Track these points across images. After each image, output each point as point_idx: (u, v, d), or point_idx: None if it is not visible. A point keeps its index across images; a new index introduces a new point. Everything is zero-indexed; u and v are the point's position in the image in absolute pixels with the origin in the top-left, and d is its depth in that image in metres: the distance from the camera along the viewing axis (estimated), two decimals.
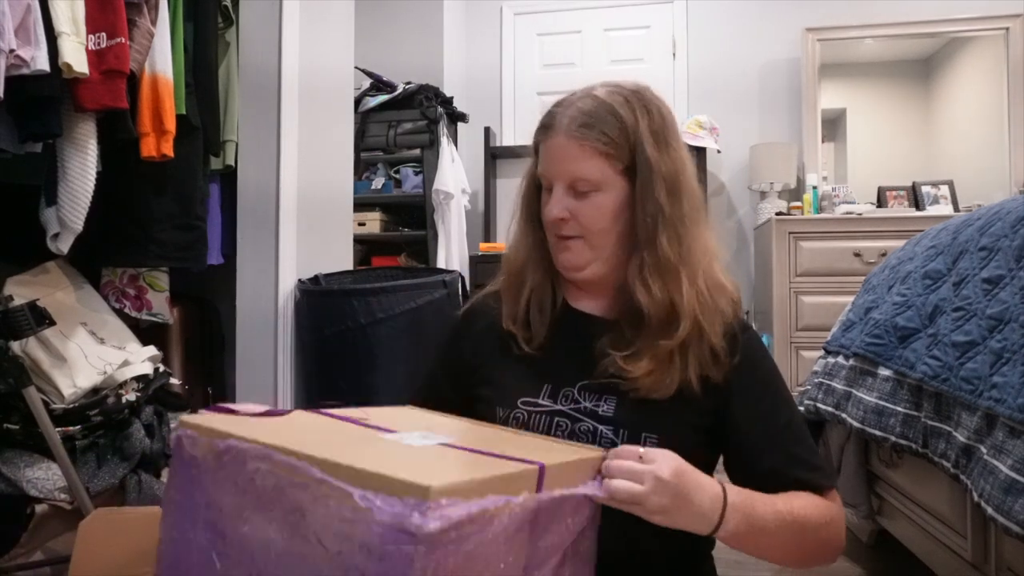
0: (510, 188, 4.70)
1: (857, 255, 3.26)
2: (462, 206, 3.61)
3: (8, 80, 1.33)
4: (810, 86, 3.82)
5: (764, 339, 3.41)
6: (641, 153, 0.90)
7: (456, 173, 3.54)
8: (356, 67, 2.78)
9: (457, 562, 0.57)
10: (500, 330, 0.99)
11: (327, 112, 2.41)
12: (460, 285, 2.19)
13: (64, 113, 1.49)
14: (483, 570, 0.60)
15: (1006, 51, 3.64)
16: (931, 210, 3.52)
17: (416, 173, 3.56)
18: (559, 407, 0.92)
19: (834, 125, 3.91)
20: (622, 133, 0.90)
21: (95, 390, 1.60)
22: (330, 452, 0.62)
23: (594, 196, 0.91)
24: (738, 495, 0.78)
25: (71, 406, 1.54)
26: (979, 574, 1.21)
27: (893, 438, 1.33)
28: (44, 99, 1.43)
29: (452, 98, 3.69)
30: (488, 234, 4.04)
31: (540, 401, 0.93)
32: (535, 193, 0.99)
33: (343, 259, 2.51)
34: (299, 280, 2.18)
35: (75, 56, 1.42)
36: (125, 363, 1.67)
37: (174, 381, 1.86)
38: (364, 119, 3.48)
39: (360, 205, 3.25)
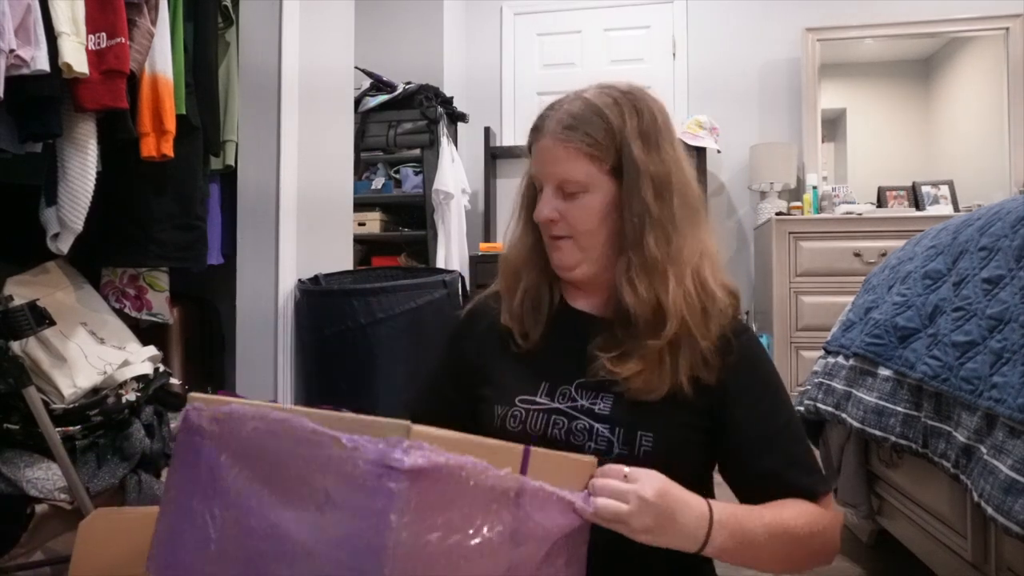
0: (510, 188, 4.70)
1: (857, 255, 3.26)
2: (462, 206, 3.61)
3: (8, 80, 1.33)
4: (810, 86, 3.82)
5: (764, 339, 3.40)
6: (628, 154, 0.90)
7: (456, 173, 3.54)
8: (356, 67, 2.78)
9: (438, 505, 0.61)
10: (500, 330, 1.00)
11: (327, 112, 2.41)
12: (460, 285, 2.19)
13: (64, 113, 1.49)
14: (464, 526, 0.63)
15: (1006, 51, 3.64)
16: (931, 210, 3.53)
17: (416, 173, 3.56)
18: (556, 405, 0.92)
19: (834, 125, 3.91)
20: (607, 134, 0.91)
21: (95, 390, 1.60)
22: (313, 412, 0.68)
23: (582, 197, 0.92)
24: (724, 511, 0.78)
25: (71, 406, 1.54)
26: (979, 574, 1.21)
27: (893, 438, 1.33)
28: (44, 99, 1.43)
29: (452, 98, 3.69)
30: (488, 234, 4.04)
31: (538, 399, 0.93)
32: (532, 194, 1.00)
33: (343, 259, 2.51)
34: (299, 280, 2.18)
35: (75, 56, 1.42)
36: (125, 363, 1.67)
37: (174, 381, 1.86)
38: (364, 119, 3.48)
39: (360, 205, 3.25)
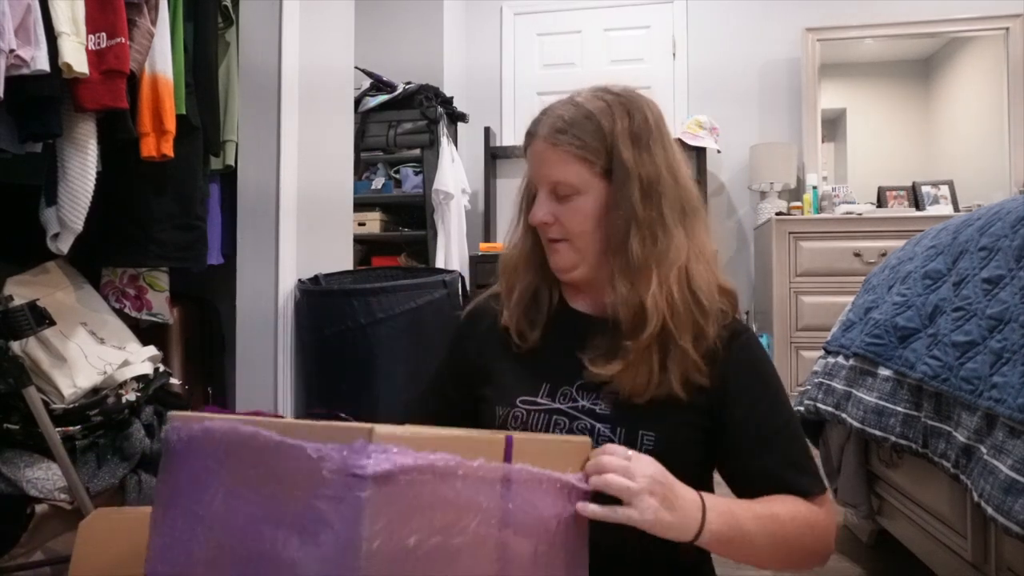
0: (510, 188, 4.70)
1: (857, 255, 3.26)
2: (462, 206, 3.61)
3: (8, 80, 1.33)
4: (810, 86, 3.82)
5: (764, 339, 3.41)
6: (617, 156, 0.91)
7: (456, 173, 3.54)
8: (356, 67, 2.78)
9: (413, 507, 0.60)
10: (501, 330, 1.01)
11: (327, 112, 2.41)
12: (460, 285, 2.19)
13: (64, 113, 1.49)
14: (446, 525, 0.62)
15: (1006, 51, 3.64)
16: (931, 210, 3.53)
17: (416, 173, 3.56)
18: (557, 405, 0.93)
19: (834, 125, 3.91)
20: (598, 137, 0.91)
21: (95, 390, 1.60)
22: (286, 422, 0.67)
23: (575, 199, 0.93)
24: (712, 498, 0.79)
25: (71, 406, 1.54)
26: (979, 574, 1.21)
27: (893, 438, 1.33)
28: (44, 99, 1.43)
29: (452, 98, 3.69)
30: (488, 234, 4.04)
31: (539, 400, 0.94)
32: (531, 196, 1.00)
33: (343, 259, 2.51)
34: (299, 280, 2.18)
35: (75, 56, 1.42)
36: (125, 363, 1.67)
37: (174, 381, 1.86)
38: (364, 119, 3.49)
39: (360, 205, 3.25)
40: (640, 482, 0.72)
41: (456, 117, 3.76)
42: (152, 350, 1.79)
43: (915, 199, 3.65)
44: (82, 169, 1.53)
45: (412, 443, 0.61)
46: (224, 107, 2.07)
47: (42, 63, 1.37)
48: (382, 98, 3.51)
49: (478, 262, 3.67)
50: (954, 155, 3.75)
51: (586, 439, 0.79)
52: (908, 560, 1.57)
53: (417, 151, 3.54)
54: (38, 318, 1.41)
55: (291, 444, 0.63)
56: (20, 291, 1.60)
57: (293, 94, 2.17)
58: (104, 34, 1.50)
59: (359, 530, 0.56)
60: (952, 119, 3.80)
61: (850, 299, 1.80)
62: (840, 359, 1.63)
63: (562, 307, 1.01)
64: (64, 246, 1.60)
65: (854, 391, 1.51)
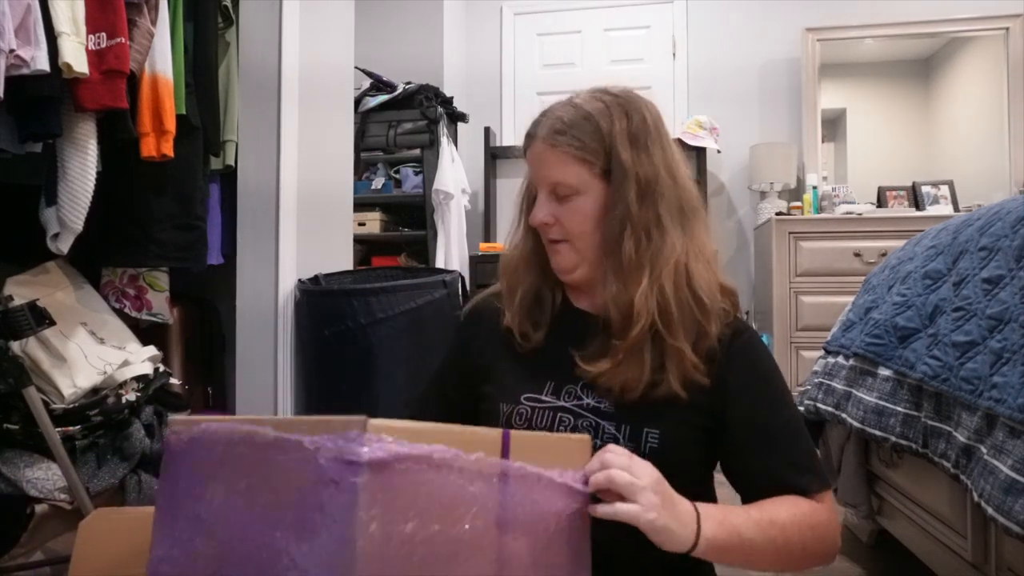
0: (510, 188, 4.70)
1: (857, 255, 3.26)
2: (462, 206, 3.61)
3: (8, 80, 1.33)
4: (810, 86, 3.82)
5: (764, 339, 3.41)
6: (616, 156, 0.91)
7: (456, 173, 3.54)
8: (356, 67, 2.78)
9: (409, 495, 0.61)
10: (504, 330, 1.01)
11: (327, 112, 2.41)
12: (460, 285, 2.19)
13: (64, 113, 1.49)
14: (444, 515, 0.63)
15: (1006, 51, 3.64)
16: (931, 210, 3.53)
17: (416, 173, 3.56)
18: (562, 403, 0.93)
19: (834, 125, 3.91)
20: (597, 138, 0.92)
21: (95, 390, 1.60)
22: (281, 420, 0.68)
23: (575, 200, 0.93)
24: (705, 506, 0.78)
25: (71, 406, 1.54)
26: (979, 574, 1.21)
27: (893, 438, 1.33)
28: (44, 99, 1.43)
29: (452, 98, 3.69)
30: (488, 234, 4.04)
31: (543, 397, 0.94)
32: (532, 197, 1.01)
33: (343, 259, 2.51)
34: (299, 280, 2.18)
35: (75, 56, 1.42)
36: (125, 363, 1.67)
37: (174, 381, 1.86)
38: (364, 119, 3.48)
39: (360, 205, 3.25)
40: (644, 479, 0.72)
41: (456, 117, 3.75)
42: (152, 350, 1.79)
43: (915, 199, 3.65)
44: (82, 169, 1.53)
45: (407, 435, 0.62)
46: (224, 107, 2.07)
47: (42, 63, 1.37)
48: (382, 98, 3.51)
49: (478, 262, 3.66)
50: (954, 155, 3.75)
51: (586, 437, 0.79)
52: (908, 560, 1.57)
53: (417, 151, 3.53)
54: (38, 318, 1.41)
55: (287, 438, 0.64)
56: (20, 291, 1.60)
57: (293, 94, 2.17)
58: (104, 34, 1.50)
59: (355, 514, 0.58)
60: (952, 119, 3.80)
61: (850, 299, 1.80)
62: (840, 359, 1.63)
63: (566, 306, 1.01)
64: (64, 246, 1.60)
65: (854, 391, 1.51)
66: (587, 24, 4.16)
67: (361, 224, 3.44)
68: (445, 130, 3.53)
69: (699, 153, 3.69)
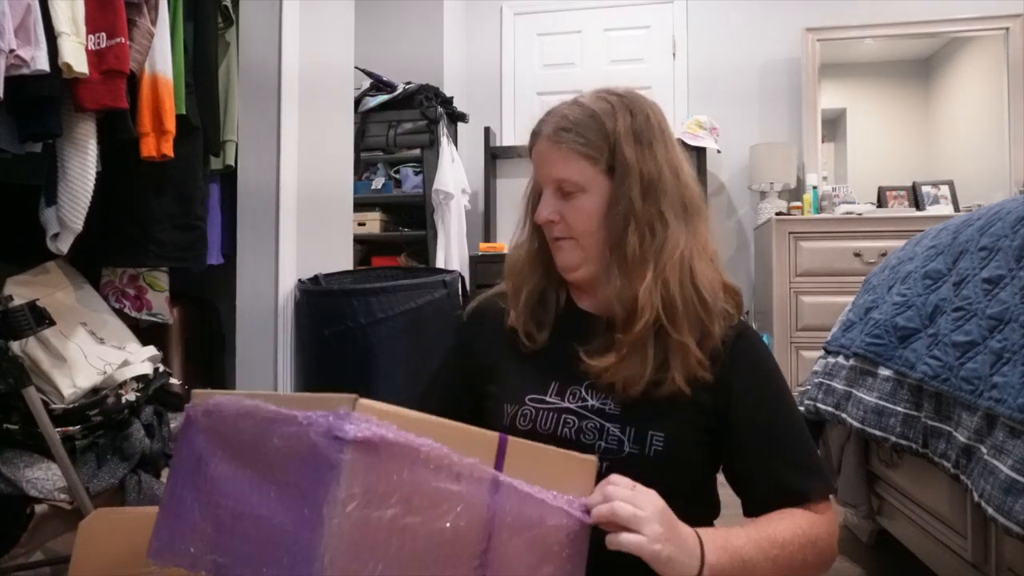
0: (510, 188, 4.71)
1: (857, 255, 3.26)
2: (462, 206, 3.61)
3: (8, 80, 1.33)
4: (810, 86, 3.82)
5: (764, 339, 3.41)
6: (619, 153, 0.92)
7: (456, 173, 3.54)
8: (356, 67, 2.78)
9: (393, 482, 0.61)
10: (508, 330, 1.01)
11: (327, 112, 2.41)
12: (460, 285, 2.19)
13: (64, 113, 1.49)
14: (427, 508, 0.63)
15: (1006, 51, 3.64)
16: (931, 210, 3.53)
17: (416, 173, 3.56)
18: (567, 405, 0.93)
19: (834, 125, 3.91)
20: (601, 134, 0.92)
21: (95, 390, 1.60)
22: (288, 396, 0.69)
23: (579, 197, 0.94)
24: (708, 533, 0.78)
25: (71, 406, 1.54)
26: (979, 574, 1.21)
27: (893, 438, 1.33)
28: (44, 99, 1.43)
29: (452, 98, 3.69)
30: (488, 234, 4.04)
31: (548, 398, 0.94)
32: (537, 197, 1.01)
33: (343, 259, 2.51)
34: (299, 280, 2.18)
35: (75, 56, 1.42)
36: (125, 363, 1.67)
37: (174, 381, 1.86)
38: (364, 119, 3.48)
39: (360, 205, 3.25)
40: (647, 510, 0.72)
41: (456, 117, 3.75)
42: (152, 350, 1.79)
43: (915, 199, 3.65)
44: (82, 169, 1.53)
45: (397, 420, 0.62)
46: (224, 107, 2.07)
47: (42, 63, 1.37)
48: (382, 98, 3.51)
49: (478, 262, 3.66)
50: (954, 155, 3.75)
51: (592, 458, 0.77)
52: (908, 560, 1.57)
53: (417, 151, 3.53)
54: (38, 318, 1.41)
55: (286, 414, 0.65)
56: (20, 291, 1.60)
57: (293, 94, 2.17)
58: (104, 34, 1.50)
59: (336, 491, 0.58)
60: (952, 119, 3.80)
61: (850, 299, 1.80)
62: (840, 359, 1.63)
63: (570, 307, 1.01)
64: (64, 246, 1.60)
65: (854, 391, 1.51)
66: (587, 24, 4.16)
67: (361, 224, 3.44)
68: (445, 130, 3.53)
69: (699, 153, 3.69)
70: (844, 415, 1.52)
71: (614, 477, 0.76)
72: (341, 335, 2.03)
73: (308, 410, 0.63)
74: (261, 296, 2.12)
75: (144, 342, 1.82)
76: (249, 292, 2.13)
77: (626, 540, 0.70)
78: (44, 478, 1.49)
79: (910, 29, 3.73)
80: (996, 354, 1.08)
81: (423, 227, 3.48)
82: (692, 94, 4.01)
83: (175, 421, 1.80)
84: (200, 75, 1.91)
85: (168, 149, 1.71)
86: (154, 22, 1.66)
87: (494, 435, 0.69)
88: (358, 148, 3.30)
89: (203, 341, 2.26)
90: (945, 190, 3.64)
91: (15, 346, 1.45)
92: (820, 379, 1.70)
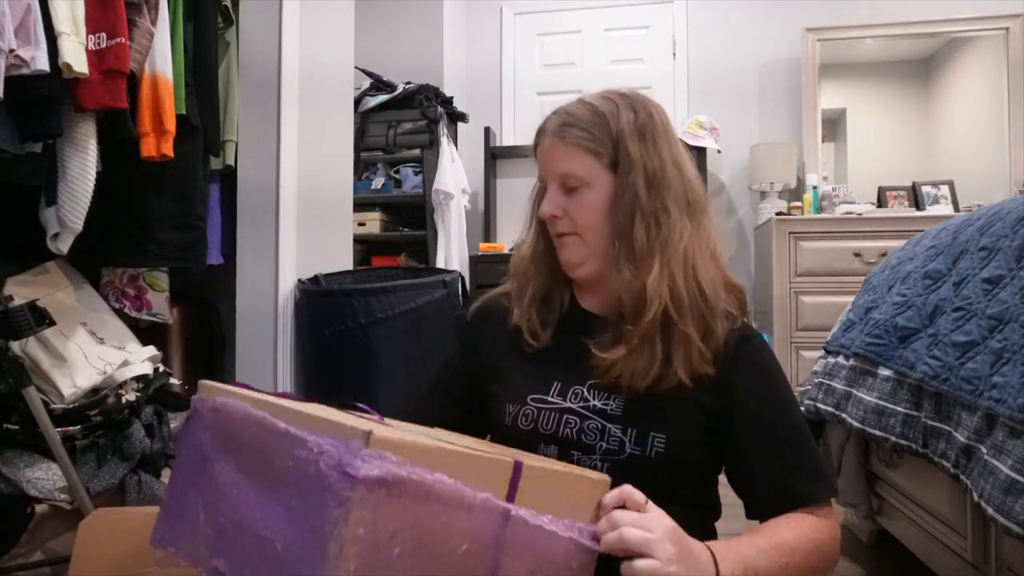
0: (510, 188, 4.70)
1: (857, 255, 3.26)
2: (462, 206, 3.61)
3: (8, 80, 1.33)
4: (810, 86, 3.82)
5: (764, 339, 3.40)
6: (623, 148, 0.93)
7: (456, 173, 3.53)
8: (356, 67, 2.78)
9: (403, 519, 0.59)
10: (511, 329, 1.01)
11: (327, 112, 2.41)
12: (460, 285, 2.19)
13: (64, 113, 1.49)
14: (437, 545, 0.62)
15: (1006, 51, 3.64)
16: (931, 210, 3.53)
17: (416, 173, 3.56)
18: (568, 405, 0.93)
19: (834, 125, 3.91)
20: (604, 130, 0.93)
21: (95, 390, 1.60)
22: (298, 409, 0.67)
23: (584, 192, 0.94)
24: (719, 546, 0.77)
25: (71, 406, 1.54)
26: (979, 574, 1.21)
27: (893, 438, 1.33)
28: (44, 99, 1.43)
29: (452, 98, 3.69)
30: (488, 234, 4.04)
31: (550, 398, 0.94)
32: (542, 197, 1.01)
33: (343, 259, 2.51)
34: (299, 280, 2.18)
35: (75, 56, 1.42)
36: (125, 363, 1.67)
37: (174, 381, 1.86)
38: (364, 119, 3.48)
39: (360, 205, 3.25)
40: (657, 532, 0.71)
41: (456, 117, 3.75)
42: (152, 350, 1.79)
43: (915, 199, 3.65)
44: (82, 169, 1.53)
45: (411, 454, 0.60)
46: (224, 107, 2.07)
47: (42, 63, 1.37)
48: (382, 98, 3.51)
49: (478, 262, 3.66)
50: (954, 155, 3.75)
51: (605, 478, 0.77)
52: (908, 560, 1.57)
53: (417, 151, 3.53)
54: (38, 318, 1.41)
55: (296, 435, 0.64)
56: (20, 291, 1.60)
57: (293, 94, 2.17)
58: (104, 34, 1.50)
59: (342, 529, 0.57)
60: (952, 119, 3.80)
61: (850, 299, 1.80)
62: (840, 359, 1.63)
63: (573, 307, 1.02)
64: (64, 246, 1.60)
65: (854, 391, 1.51)
66: (587, 24, 4.16)
67: (361, 224, 3.44)
68: (445, 130, 3.53)
69: (699, 153, 3.69)
70: (844, 415, 1.52)
71: (626, 495, 0.74)
72: (341, 335, 2.03)
73: (320, 433, 0.61)
74: (261, 296, 2.12)
75: (144, 342, 1.82)
76: (249, 292, 2.13)
77: (640, 567, 0.69)
78: (44, 478, 1.49)
79: (910, 29, 3.73)
80: (996, 354, 1.08)
81: (423, 227, 3.48)
82: (692, 94, 4.01)
83: (175, 421, 1.80)
84: (200, 75, 1.91)
85: (168, 149, 1.71)
86: (154, 22, 1.66)
87: (509, 461, 0.68)
88: (358, 148, 3.29)
89: (203, 341, 2.26)
90: (945, 190, 3.64)
91: (15, 346, 1.45)
92: (820, 379, 1.70)
